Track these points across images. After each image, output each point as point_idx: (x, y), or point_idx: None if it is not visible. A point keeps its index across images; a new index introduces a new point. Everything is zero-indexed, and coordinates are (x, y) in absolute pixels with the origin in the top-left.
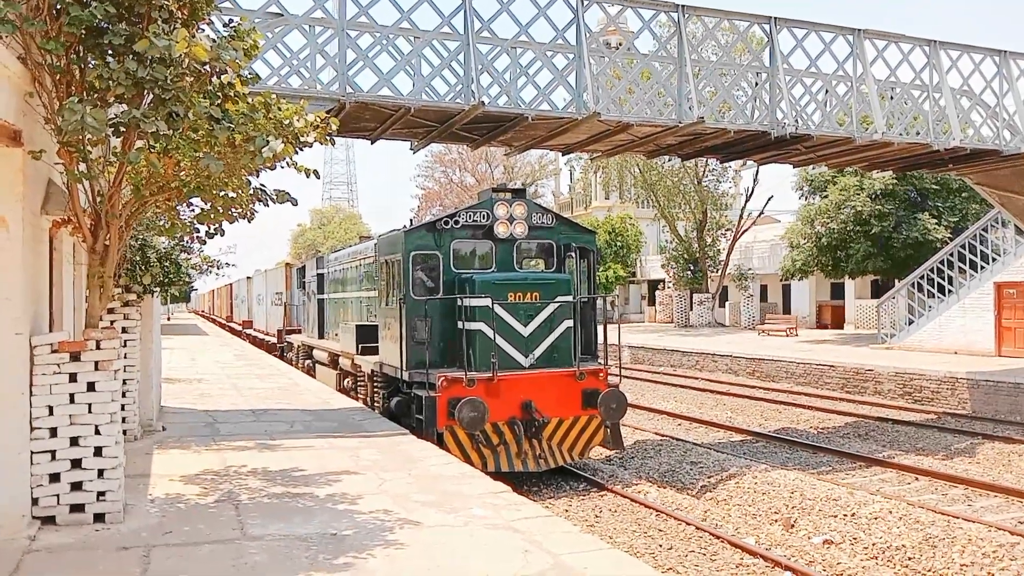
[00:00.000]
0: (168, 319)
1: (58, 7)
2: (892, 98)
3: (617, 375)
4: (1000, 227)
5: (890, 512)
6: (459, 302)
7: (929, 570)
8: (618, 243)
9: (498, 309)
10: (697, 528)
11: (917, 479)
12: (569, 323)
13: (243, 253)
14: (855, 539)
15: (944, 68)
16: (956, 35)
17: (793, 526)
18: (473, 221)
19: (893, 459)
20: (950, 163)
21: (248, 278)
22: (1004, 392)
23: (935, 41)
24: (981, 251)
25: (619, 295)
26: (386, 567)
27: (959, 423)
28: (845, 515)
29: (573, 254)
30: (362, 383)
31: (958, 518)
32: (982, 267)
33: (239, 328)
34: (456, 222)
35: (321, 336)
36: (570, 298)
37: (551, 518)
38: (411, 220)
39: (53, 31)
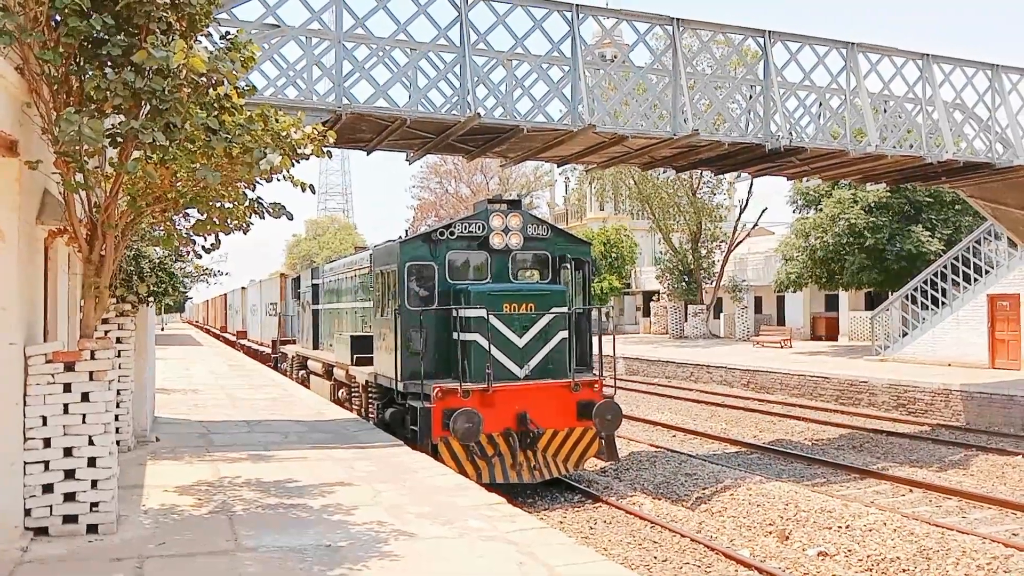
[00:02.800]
0: (162, 329)
1: (57, 18)
2: (886, 111)
3: (612, 386)
4: (993, 239)
5: (884, 524)
6: (454, 313)
7: None
8: (613, 254)
9: (493, 320)
10: (692, 540)
11: (911, 491)
12: (564, 334)
13: (238, 263)
14: (850, 551)
15: (937, 81)
16: (949, 47)
17: (788, 538)
18: (468, 232)
19: (887, 471)
20: (943, 176)
21: (243, 288)
22: (998, 404)
23: (928, 55)
24: (974, 263)
25: (614, 306)
26: None
27: (953, 435)
28: (840, 527)
29: (568, 265)
30: (356, 394)
31: (952, 530)
32: (975, 279)
33: (233, 339)
34: (451, 233)
35: (316, 347)
36: (565, 309)
37: (546, 530)
38: (406, 231)
39: (51, 42)
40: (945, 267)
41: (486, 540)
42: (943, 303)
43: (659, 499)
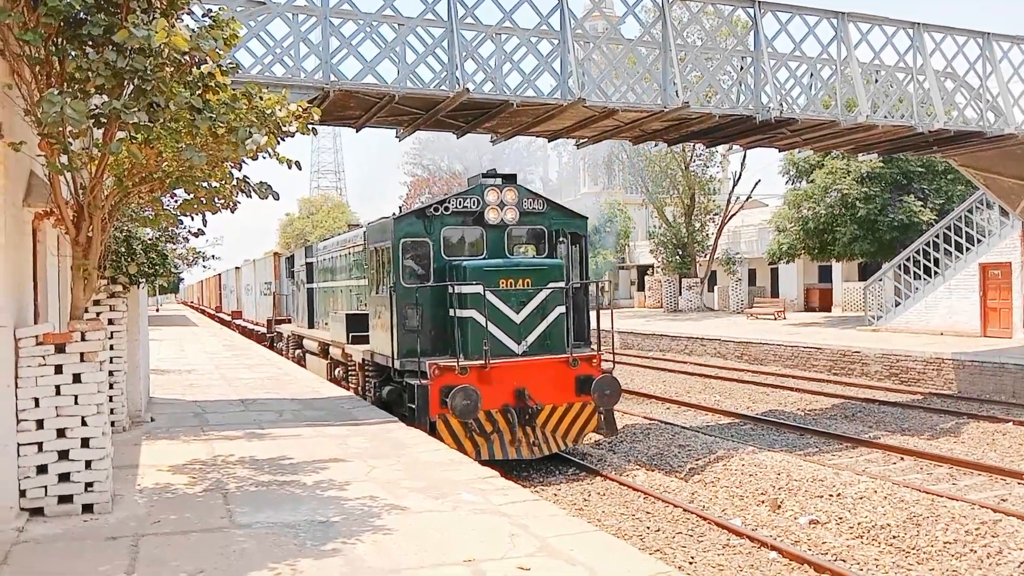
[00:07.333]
0: (157, 310)
1: None
2: (877, 81)
3: (611, 360)
4: (985, 208)
5: (875, 492)
6: (450, 289)
7: (913, 548)
8: (607, 229)
9: (490, 296)
10: (684, 510)
11: (903, 459)
12: (561, 309)
13: (232, 243)
14: (841, 519)
15: (928, 50)
16: (939, 17)
17: (779, 507)
18: (463, 207)
19: (879, 439)
20: (935, 145)
21: (237, 268)
22: (989, 372)
23: (919, 23)
24: (966, 232)
25: (609, 280)
26: (374, 552)
27: (945, 403)
28: (831, 495)
29: (565, 239)
30: (353, 372)
31: (942, 496)
32: (967, 248)
33: (228, 319)
34: (446, 208)
35: (311, 325)
36: (562, 284)
37: (538, 502)
38: (400, 207)
39: (31, 22)
40: (937, 236)
41: (479, 513)
42: (935, 272)
43: (653, 471)
